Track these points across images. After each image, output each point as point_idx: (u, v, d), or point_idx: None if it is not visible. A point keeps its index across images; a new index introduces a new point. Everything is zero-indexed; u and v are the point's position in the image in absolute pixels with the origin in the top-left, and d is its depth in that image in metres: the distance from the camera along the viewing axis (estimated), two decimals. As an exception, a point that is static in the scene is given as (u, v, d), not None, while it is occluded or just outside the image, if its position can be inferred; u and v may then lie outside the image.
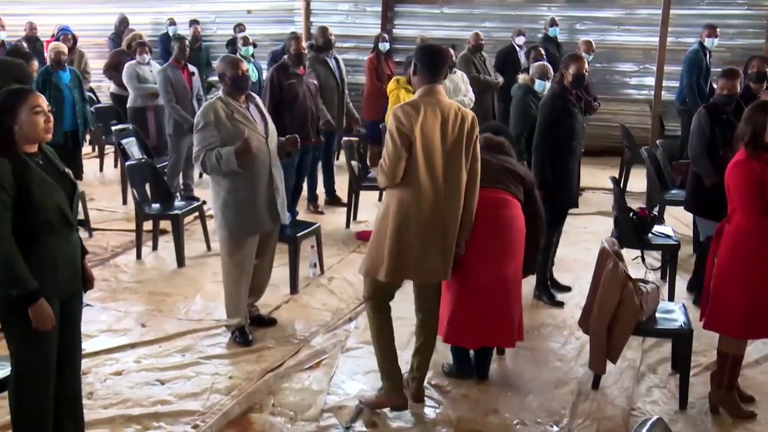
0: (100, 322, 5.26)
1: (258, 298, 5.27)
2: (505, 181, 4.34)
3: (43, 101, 3.31)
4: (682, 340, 4.33)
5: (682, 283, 5.84)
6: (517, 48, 9.98)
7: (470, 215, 4.07)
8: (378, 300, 4.15)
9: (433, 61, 3.98)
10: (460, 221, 4.03)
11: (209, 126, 4.68)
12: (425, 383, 4.37)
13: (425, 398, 4.30)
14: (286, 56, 7.26)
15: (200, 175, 8.77)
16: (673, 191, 7.12)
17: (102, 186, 9.08)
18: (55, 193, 3.26)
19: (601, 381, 4.43)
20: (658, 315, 4.38)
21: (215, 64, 5.29)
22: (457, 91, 8.06)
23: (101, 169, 9.77)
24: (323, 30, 8.01)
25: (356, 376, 4.61)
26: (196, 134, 4.74)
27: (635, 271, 5.37)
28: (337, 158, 8.92)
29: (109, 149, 9.79)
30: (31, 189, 3.18)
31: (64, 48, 8.24)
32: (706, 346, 4.67)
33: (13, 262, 3.18)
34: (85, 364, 4.10)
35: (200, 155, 4.71)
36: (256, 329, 5.12)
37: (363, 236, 7.13)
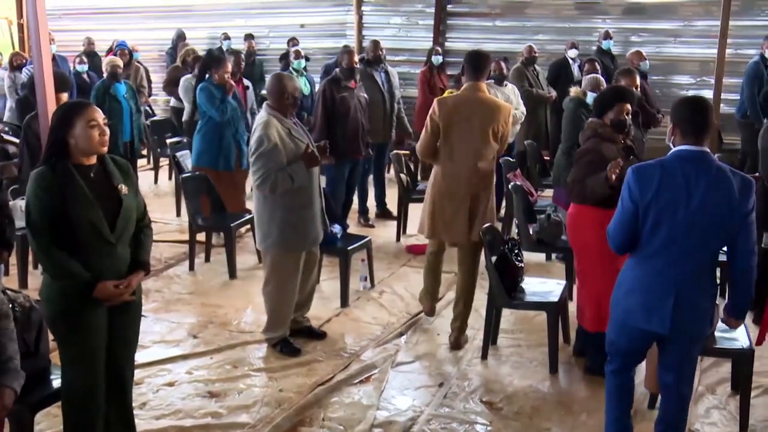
0: (153, 332, 5.31)
1: (307, 309, 5.28)
2: None
3: (98, 115, 3.35)
4: (743, 360, 4.19)
5: (742, 301, 5.66)
6: (570, 61, 9.87)
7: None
8: (433, 247, 5.24)
9: (476, 63, 4.93)
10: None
11: (276, 146, 4.62)
12: (478, 398, 4.41)
13: (475, 416, 4.28)
14: (337, 69, 7.29)
15: (251, 189, 8.85)
16: (733, 206, 6.91)
17: (156, 198, 9.22)
18: (90, 209, 3.26)
19: (657, 401, 4.30)
20: (717, 334, 4.22)
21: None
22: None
23: (156, 181, 9.94)
24: (375, 44, 8.02)
25: (407, 391, 4.57)
26: (263, 155, 4.59)
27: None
28: (388, 171, 8.91)
29: (164, 162, 9.96)
30: (67, 202, 3.22)
31: (120, 62, 8.42)
32: (768, 367, 4.53)
33: (57, 264, 3.25)
34: (138, 374, 4.14)
35: (271, 176, 4.60)
36: (307, 342, 5.13)
37: (413, 250, 7.09)
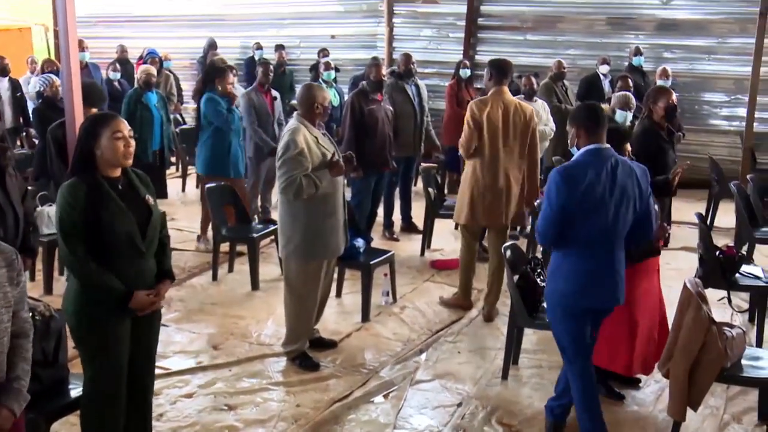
0: (174, 342, 5.32)
1: (318, 321, 5.28)
2: None
3: (124, 127, 3.38)
4: (770, 389, 4.09)
5: (771, 327, 5.54)
6: (602, 76, 9.78)
7: (534, 190, 5.85)
8: (469, 233, 5.92)
9: (501, 69, 5.71)
10: (527, 192, 5.79)
11: (303, 152, 4.67)
12: (496, 420, 4.35)
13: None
14: (364, 82, 7.28)
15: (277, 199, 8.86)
16: (764, 229, 6.79)
17: (183, 206, 9.27)
18: (125, 220, 3.31)
19: (681, 428, 4.21)
20: (744, 362, 4.14)
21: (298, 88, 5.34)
22: (538, 119, 7.91)
23: (183, 189, 9.99)
24: (406, 57, 7.98)
25: (425, 411, 4.52)
26: (290, 159, 4.64)
27: (721, 313, 5.12)
28: (415, 184, 8.87)
29: (192, 170, 9.99)
30: (101, 213, 3.25)
31: (154, 70, 8.49)
32: (796, 396, 4.40)
33: (93, 276, 3.28)
34: (156, 384, 4.12)
35: (297, 179, 4.63)
36: (326, 356, 5.12)
37: (438, 265, 7.04)
